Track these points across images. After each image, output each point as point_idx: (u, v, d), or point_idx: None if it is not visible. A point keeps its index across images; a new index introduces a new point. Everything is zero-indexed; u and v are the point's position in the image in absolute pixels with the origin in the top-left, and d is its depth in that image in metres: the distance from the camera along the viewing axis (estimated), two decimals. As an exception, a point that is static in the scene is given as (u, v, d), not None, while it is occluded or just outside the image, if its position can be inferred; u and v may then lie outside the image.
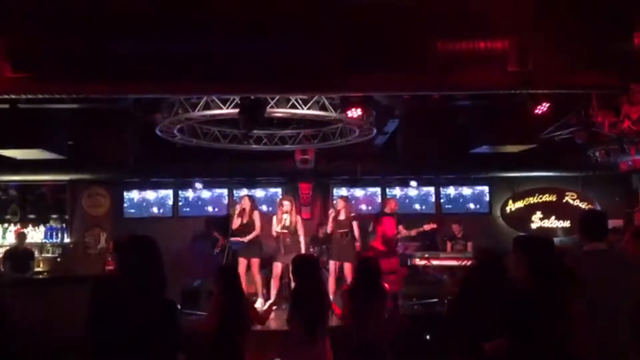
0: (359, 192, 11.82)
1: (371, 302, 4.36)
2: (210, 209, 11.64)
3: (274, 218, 8.09)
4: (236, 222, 8.09)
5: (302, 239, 7.99)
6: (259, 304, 7.87)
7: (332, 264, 8.15)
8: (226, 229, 8.86)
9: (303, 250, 8.01)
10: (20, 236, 9.84)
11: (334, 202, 9.50)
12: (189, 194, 11.65)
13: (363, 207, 11.64)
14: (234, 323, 4.11)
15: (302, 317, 4.11)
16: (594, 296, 3.03)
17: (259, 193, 11.32)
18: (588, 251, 3.31)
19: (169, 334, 2.70)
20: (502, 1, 5.36)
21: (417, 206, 11.79)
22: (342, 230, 8.17)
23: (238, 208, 8.21)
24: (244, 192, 11.03)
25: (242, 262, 7.90)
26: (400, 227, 9.11)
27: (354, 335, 4.26)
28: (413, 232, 9.13)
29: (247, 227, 8.02)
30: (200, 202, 11.67)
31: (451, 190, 11.86)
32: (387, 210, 9.41)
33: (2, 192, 11.13)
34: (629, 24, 5.45)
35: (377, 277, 4.56)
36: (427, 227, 9.35)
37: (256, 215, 8.08)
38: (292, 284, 4.72)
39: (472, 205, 11.87)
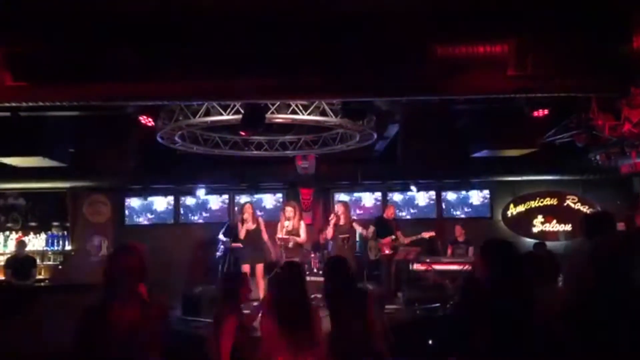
0: (359, 197, 11.78)
1: (351, 303, 4.09)
2: (210, 215, 11.62)
3: (278, 224, 8.12)
4: (242, 232, 8.06)
5: (304, 244, 8.00)
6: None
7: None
8: (228, 234, 8.85)
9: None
10: (20, 244, 9.86)
11: (335, 207, 9.48)
12: (190, 200, 11.63)
13: (357, 212, 11.52)
14: None
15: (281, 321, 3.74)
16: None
17: (244, 199, 11.03)
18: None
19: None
20: (501, 5, 5.36)
21: (417, 211, 11.74)
22: (343, 236, 8.17)
23: (240, 217, 8.21)
24: (244, 198, 11.04)
25: (245, 269, 7.89)
26: (399, 233, 9.10)
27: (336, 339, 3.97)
28: (406, 241, 9.11)
29: (255, 234, 8.01)
30: (201, 209, 11.65)
31: (452, 195, 11.84)
32: (385, 216, 9.41)
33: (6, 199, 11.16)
34: (628, 26, 5.44)
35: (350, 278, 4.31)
36: (425, 234, 9.33)
37: (261, 221, 8.10)
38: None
39: (473, 210, 11.84)
